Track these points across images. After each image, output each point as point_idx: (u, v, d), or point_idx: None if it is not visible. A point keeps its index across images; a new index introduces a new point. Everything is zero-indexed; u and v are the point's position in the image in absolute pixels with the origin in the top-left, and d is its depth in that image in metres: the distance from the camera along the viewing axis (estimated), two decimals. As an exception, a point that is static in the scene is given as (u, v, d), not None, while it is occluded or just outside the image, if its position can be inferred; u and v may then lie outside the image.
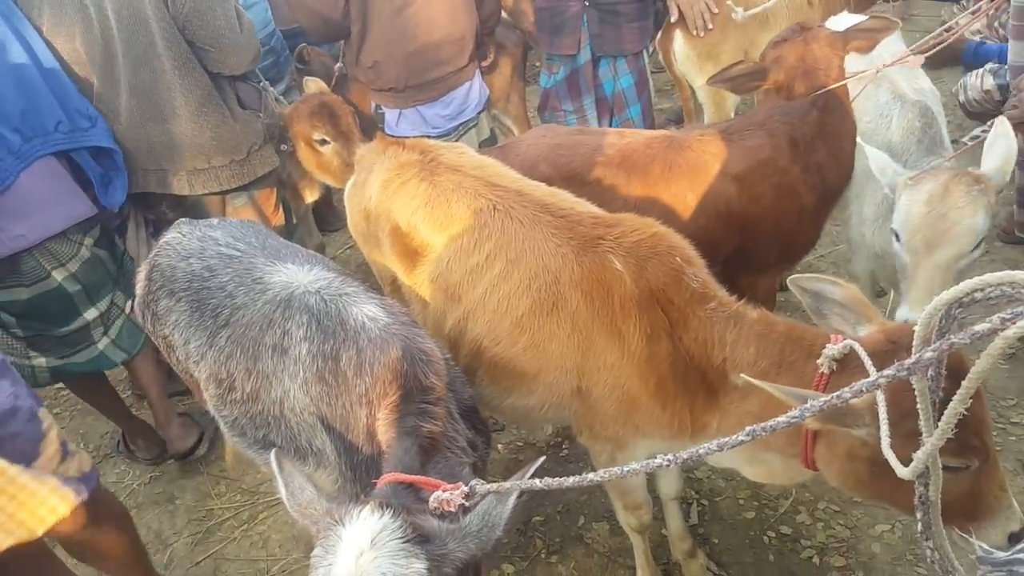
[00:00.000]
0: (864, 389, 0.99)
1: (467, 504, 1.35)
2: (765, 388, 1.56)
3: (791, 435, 1.78)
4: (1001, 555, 0.87)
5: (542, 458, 1.41)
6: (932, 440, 0.86)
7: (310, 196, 3.84)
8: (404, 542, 1.27)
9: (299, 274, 2.03)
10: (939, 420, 1.09)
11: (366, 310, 1.87)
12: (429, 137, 3.48)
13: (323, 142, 3.42)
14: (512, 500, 1.32)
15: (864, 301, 1.74)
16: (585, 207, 2.13)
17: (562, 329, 2.01)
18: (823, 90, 2.41)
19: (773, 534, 2.70)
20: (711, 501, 2.89)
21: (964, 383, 0.77)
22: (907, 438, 1.48)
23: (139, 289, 2.44)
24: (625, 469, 1.07)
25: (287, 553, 3.07)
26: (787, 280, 1.83)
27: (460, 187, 2.24)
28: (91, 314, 3.03)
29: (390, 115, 3.60)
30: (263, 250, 2.21)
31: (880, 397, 1.37)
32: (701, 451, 0.99)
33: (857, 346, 1.56)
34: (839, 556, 2.56)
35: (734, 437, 1.05)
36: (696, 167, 2.51)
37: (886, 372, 0.77)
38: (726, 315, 1.84)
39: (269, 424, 1.98)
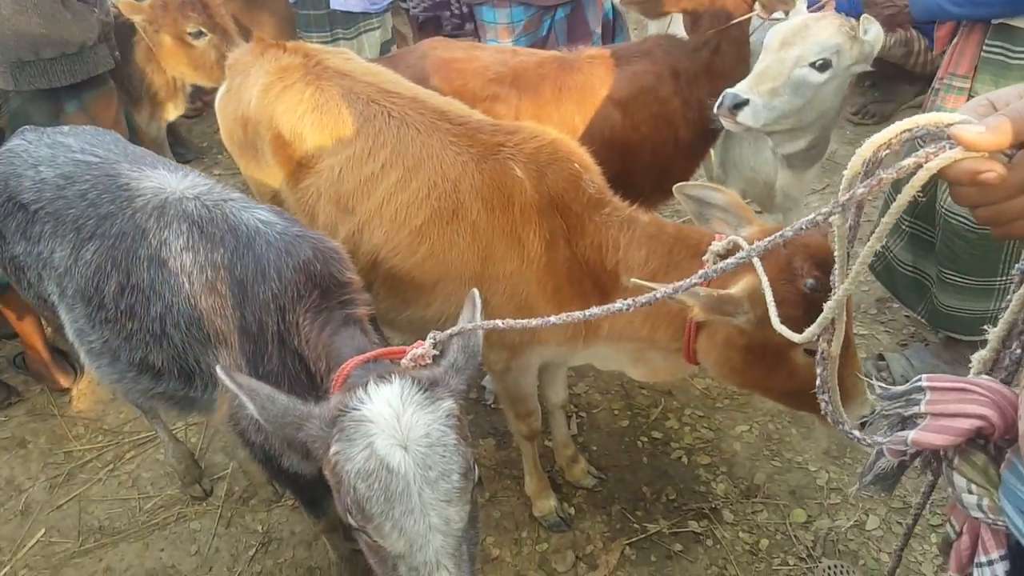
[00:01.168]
0: (746, 257, 1.09)
1: (437, 352, 1.40)
2: (653, 287, 1.67)
3: (676, 329, 1.92)
4: (899, 388, 0.99)
5: (475, 290, 1.48)
6: (844, 285, 0.94)
7: (173, 110, 3.55)
8: (424, 392, 1.30)
9: (172, 180, 1.88)
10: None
11: (258, 215, 1.78)
12: (369, 13, 3.53)
13: (198, 34, 3.20)
14: (480, 330, 1.39)
15: (743, 205, 1.89)
16: (482, 116, 2.13)
17: (462, 238, 2.02)
18: (720, 28, 2.52)
19: (646, 439, 2.92)
20: (588, 413, 3.06)
21: (883, 220, 0.86)
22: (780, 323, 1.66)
23: None
24: (587, 312, 1.15)
25: (160, 490, 2.93)
26: (673, 188, 1.95)
27: (351, 92, 2.16)
28: None
29: None
30: (126, 156, 2.02)
31: (760, 268, 1.51)
32: (657, 295, 1.08)
33: (740, 240, 1.70)
34: (705, 455, 2.82)
35: (649, 295, 1.12)
36: (584, 90, 2.57)
37: (815, 214, 0.85)
38: (620, 219, 1.93)
39: (148, 344, 1.84)
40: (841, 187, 0.85)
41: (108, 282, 1.80)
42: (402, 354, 1.43)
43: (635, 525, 2.59)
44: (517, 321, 1.38)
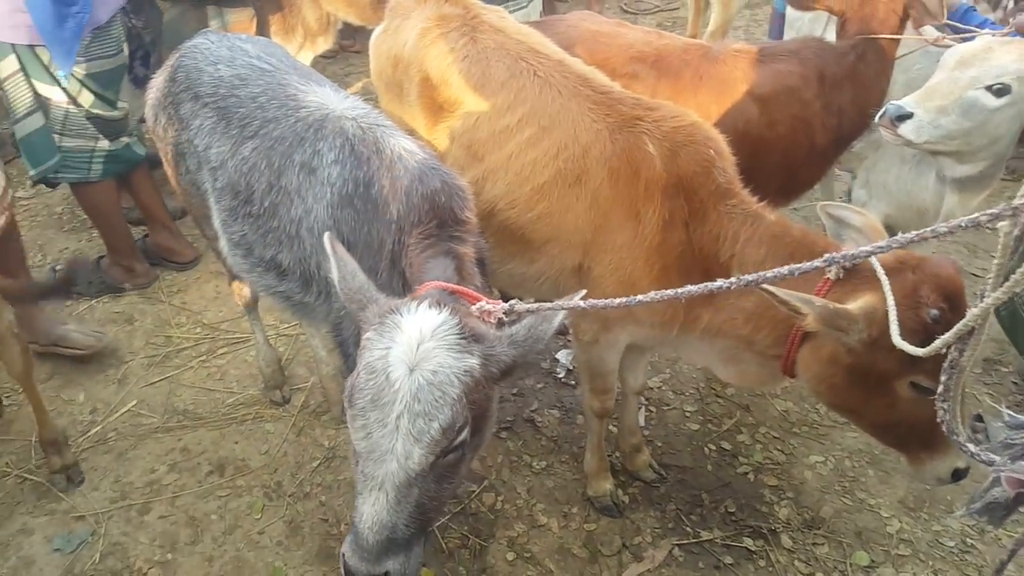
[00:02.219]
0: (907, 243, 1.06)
1: (506, 320, 1.42)
2: (771, 292, 1.65)
3: (778, 336, 1.89)
4: None
5: (583, 292, 1.47)
6: (996, 294, 0.91)
7: (323, 44, 3.72)
8: (460, 337, 1.34)
9: (335, 99, 1.99)
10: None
11: (403, 143, 1.86)
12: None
13: None
14: (557, 320, 1.39)
15: (879, 229, 1.84)
16: (625, 89, 2.14)
17: (581, 203, 2.05)
18: (868, 37, 2.46)
19: (713, 447, 2.88)
20: (659, 409, 3.04)
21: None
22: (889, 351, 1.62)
23: (155, 92, 2.35)
24: (679, 291, 1.14)
25: (244, 388, 3.11)
26: (818, 207, 1.94)
27: (502, 48, 2.21)
28: (124, 104, 3.22)
29: None
30: (295, 70, 2.15)
31: (886, 283, 1.47)
32: (780, 272, 1.07)
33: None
34: (773, 476, 2.75)
35: (767, 273, 1.11)
36: (725, 81, 2.54)
37: (979, 214, 0.82)
38: (744, 213, 1.91)
39: (281, 242, 1.97)
40: (1020, 192, 0.83)
41: (260, 179, 1.93)
42: (476, 301, 1.48)
43: (688, 528, 2.57)
44: (599, 301, 1.39)
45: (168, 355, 3.26)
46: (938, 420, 1.09)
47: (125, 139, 3.26)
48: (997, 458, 0.95)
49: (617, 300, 1.37)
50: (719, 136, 1.99)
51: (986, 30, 2.63)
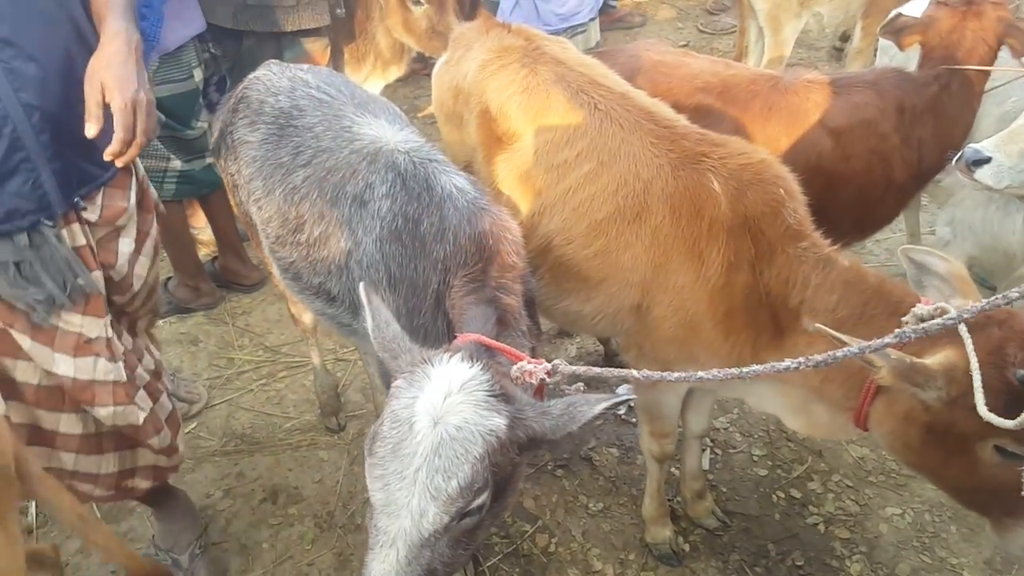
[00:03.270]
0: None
1: (548, 381, 1.35)
2: (842, 340, 1.53)
3: (850, 388, 1.76)
4: None
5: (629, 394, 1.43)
6: None
7: (395, 71, 3.77)
8: (490, 395, 1.29)
9: (390, 131, 1.98)
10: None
11: (455, 180, 1.83)
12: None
13: (417, 1, 3.37)
14: (599, 408, 1.30)
15: (966, 279, 1.69)
16: (690, 124, 2.06)
17: (640, 241, 1.97)
18: (952, 68, 2.31)
19: (782, 495, 2.72)
20: (724, 452, 2.91)
21: None
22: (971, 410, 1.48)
23: (219, 122, 2.40)
24: (744, 370, 1.10)
25: (301, 414, 3.13)
26: (899, 250, 1.80)
27: (563, 80, 2.17)
28: (201, 125, 3.27)
29: (505, 3, 3.56)
30: (353, 100, 2.15)
31: (970, 347, 1.35)
32: (840, 354, 0.98)
33: (950, 307, 1.52)
34: (845, 529, 2.58)
35: (827, 355, 1.02)
36: (796, 113, 2.43)
37: None
38: (815, 257, 1.79)
39: (330, 272, 1.97)
40: None
41: (311, 209, 1.94)
42: (517, 359, 1.43)
43: (751, 581, 2.43)
44: (655, 373, 1.36)
45: (229, 378, 3.32)
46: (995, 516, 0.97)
47: (206, 159, 3.30)
48: None
49: (675, 375, 1.33)
50: (790, 175, 1.88)
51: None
